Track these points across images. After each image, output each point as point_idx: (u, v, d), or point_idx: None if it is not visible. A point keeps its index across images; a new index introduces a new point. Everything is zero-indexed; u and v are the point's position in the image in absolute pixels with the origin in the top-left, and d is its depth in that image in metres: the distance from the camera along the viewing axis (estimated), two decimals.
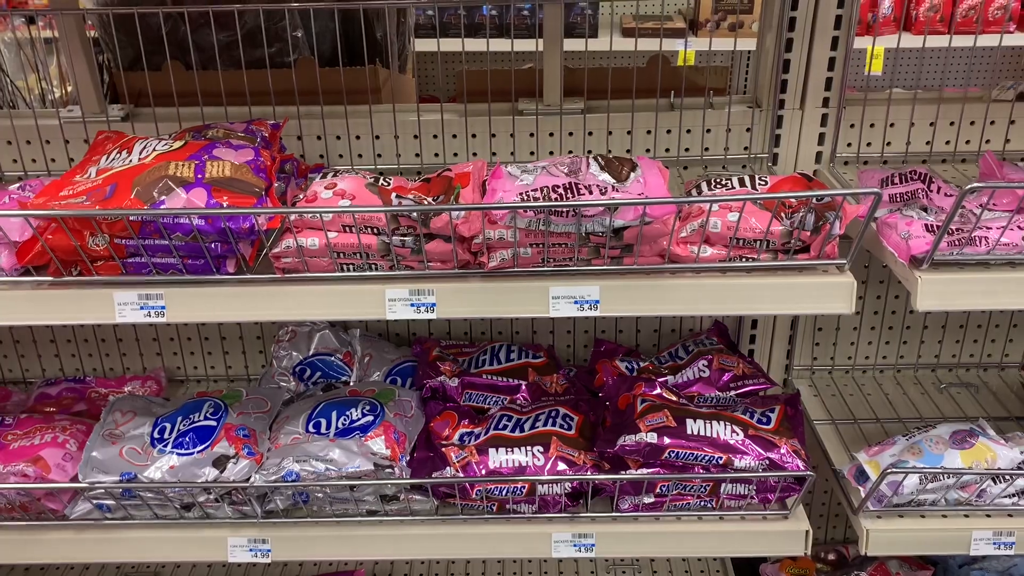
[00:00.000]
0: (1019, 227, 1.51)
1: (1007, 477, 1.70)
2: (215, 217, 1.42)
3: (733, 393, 1.92)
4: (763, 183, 1.56)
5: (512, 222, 1.44)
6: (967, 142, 1.96)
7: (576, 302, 1.52)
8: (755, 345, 2.18)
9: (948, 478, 1.69)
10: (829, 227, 1.47)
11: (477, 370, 1.99)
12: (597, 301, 1.52)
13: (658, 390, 1.83)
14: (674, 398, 1.83)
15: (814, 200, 1.49)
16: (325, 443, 1.70)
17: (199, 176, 1.45)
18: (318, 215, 1.46)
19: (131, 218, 1.42)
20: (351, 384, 2.00)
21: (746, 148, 1.98)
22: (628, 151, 1.99)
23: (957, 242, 1.50)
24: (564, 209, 1.41)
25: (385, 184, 1.54)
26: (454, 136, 1.98)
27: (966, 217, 1.56)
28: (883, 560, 2.27)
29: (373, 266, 1.52)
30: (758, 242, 1.50)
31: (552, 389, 1.98)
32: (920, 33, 4.12)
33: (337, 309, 1.52)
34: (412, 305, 1.52)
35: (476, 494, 1.72)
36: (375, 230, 1.48)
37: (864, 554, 1.75)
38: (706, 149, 1.98)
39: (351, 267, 1.52)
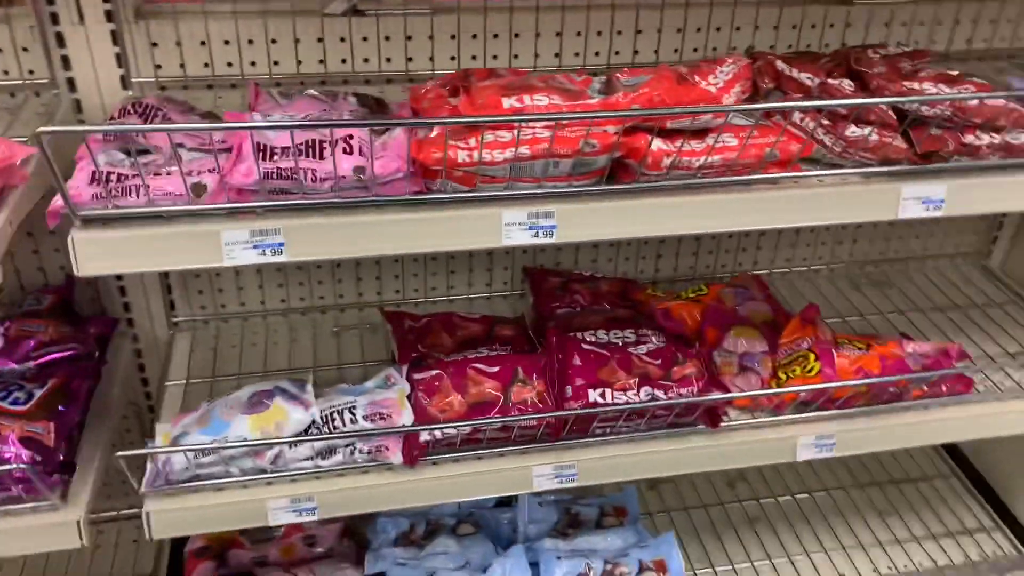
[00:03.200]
0: (198, 172, 1.29)
1: (294, 444, 1.55)
2: None
3: (33, 364, 1.65)
4: None
5: None
6: (276, 63, 1.73)
7: None
8: (129, 298, 1.91)
9: (213, 454, 1.52)
10: None
11: None
12: None
13: None
14: None
15: None
16: None
17: None
18: None
19: None
20: None
21: (32, 71, 1.65)
22: None
23: (113, 193, 1.26)
24: None
25: None
26: None
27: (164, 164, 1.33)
28: None
29: None
30: None
31: None
32: None
33: None
34: None
35: None
36: None
37: (150, 539, 1.56)
38: None
39: None
